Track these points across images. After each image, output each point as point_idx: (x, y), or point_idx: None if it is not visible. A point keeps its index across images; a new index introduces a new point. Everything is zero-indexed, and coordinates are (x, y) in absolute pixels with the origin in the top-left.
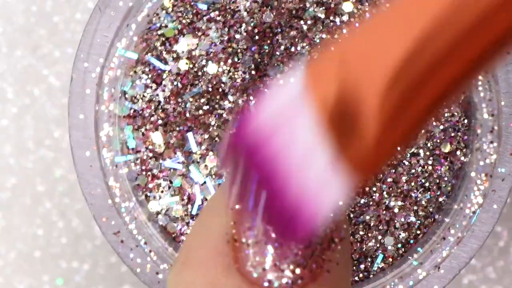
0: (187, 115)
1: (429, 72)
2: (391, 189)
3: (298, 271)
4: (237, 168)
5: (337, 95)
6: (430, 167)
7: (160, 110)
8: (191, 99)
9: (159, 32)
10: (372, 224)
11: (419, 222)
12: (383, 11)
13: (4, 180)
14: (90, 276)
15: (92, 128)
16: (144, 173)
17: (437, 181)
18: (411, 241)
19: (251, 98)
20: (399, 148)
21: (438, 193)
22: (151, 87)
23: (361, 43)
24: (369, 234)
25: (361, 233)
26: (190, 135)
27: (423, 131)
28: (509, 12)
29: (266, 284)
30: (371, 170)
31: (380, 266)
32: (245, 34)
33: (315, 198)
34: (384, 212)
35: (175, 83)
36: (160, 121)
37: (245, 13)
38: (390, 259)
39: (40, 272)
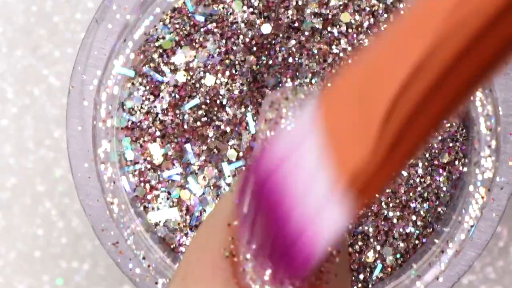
0: (185, 126)
1: (425, 100)
2: (389, 199)
3: (297, 283)
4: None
5: (343, 124)
6: (428, 177)
7: (158, 122)
8: (188, 111)
9: (156, 44)
10: (370, 234)
11: (417, 232)
12: (379, 40)
13: (4, 180)
14: (90, 276)
15: (90, 140)
16: (142, 184)
17: (436, 191)
18: (410, 251)
19: (250, 110)
20: (398, 171)
21: (437, 203)
22: (149, 98)
23: (361, 74)
24: (368, 245)
25: (360, 243)
26: (188, 146)
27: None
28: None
29: None
30: (372, 192)
31: (379, 277)
32: (242, 45)
33: (315, 227)
34: (382, 222)
35: (173, 94)
36: (158, 133)
37: (242, 25)
38: (389, 269)
39: (40, 272)
